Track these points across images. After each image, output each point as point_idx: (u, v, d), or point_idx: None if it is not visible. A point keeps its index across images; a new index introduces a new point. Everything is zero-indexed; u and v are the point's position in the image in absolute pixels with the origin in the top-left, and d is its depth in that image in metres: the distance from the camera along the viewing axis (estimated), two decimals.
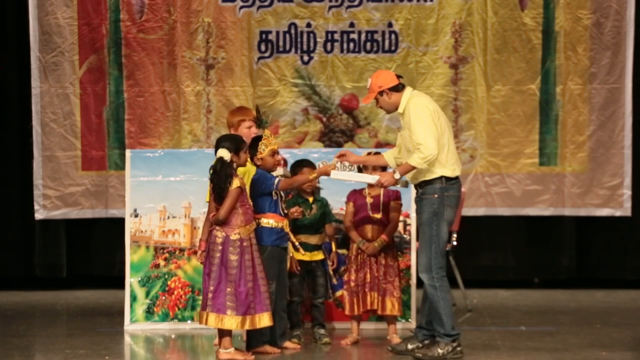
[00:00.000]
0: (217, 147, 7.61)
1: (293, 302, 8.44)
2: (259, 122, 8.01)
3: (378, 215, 8.32)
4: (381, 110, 8.06)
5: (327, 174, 7.91)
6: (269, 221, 7.86)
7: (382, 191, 8.34)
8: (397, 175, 7.68)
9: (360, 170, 8.28)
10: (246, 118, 8.05)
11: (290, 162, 8.81)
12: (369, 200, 8.33)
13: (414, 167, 7.60)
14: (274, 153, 7.94)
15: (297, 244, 8.18)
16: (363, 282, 8.30)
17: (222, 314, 7.48)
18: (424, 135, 7.55)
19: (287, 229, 7.97)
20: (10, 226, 11.87)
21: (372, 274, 8.29)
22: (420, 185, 7.70)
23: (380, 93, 7.75)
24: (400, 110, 7.75)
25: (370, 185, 8.27)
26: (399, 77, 7.80)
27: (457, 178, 7.72)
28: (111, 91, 11.56)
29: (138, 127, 11.55)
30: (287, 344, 8.06)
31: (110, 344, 8.38)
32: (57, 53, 11.51)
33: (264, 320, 7.57)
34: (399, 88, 7.76)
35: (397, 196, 8.41)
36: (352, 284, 8.32)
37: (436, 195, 7.62)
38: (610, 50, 11.38)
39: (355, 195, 8.41)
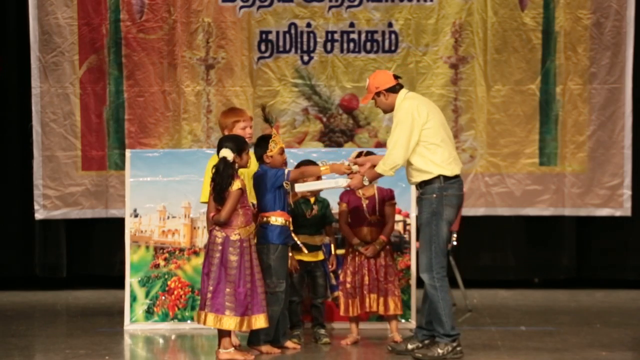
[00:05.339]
0: (219, 147, 7.60)
1: (293, 302, 8.44)
2: (267, 120, 8.02)
3: (374, 217, 8.32)
4: (381, 110, 8.07)
5: (340, 172, 7.94)
6: (277, 219, 7.84)
7: (376, 191, 8.34)
8: (366, 182, 7.82)
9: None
10: (240, 119, 8.02)
11: (290, 162, 8.80)
12: (364, 201, 8.32)
13: (381, 175, 7.72)
14: (282, 151, 7.95)
15: (300, 243, 8.16)
16: (361, 284, 8.29)
17: (221, 314, 7.48)
18: (393, 143, 7.62)
19: (291, 228, 7.97)
20: (10, 226, 11.87)
21: (371, 276, 8.27)
22: (420, 186, 7.72)
23: (378, 94, 7.79)
24: (394, 112, 7.78)
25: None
26: (397, 77, 7.82)
27: (456, 177, 7.73)
28: (111, 91, 11.56)
29: (138, 127, 11.55)
30: (288, 343, 8.05)
31: (110, 344, 8.38)
32: (57, 53, 11.51)
33: (260, 321, 7.56)
34: (396, 89, 7.79)
35: (392, 196, 8.41)
36: (348, 285, 8.31)
37: (435, 195, 7.63)
38: (610, 50, 11.38)
39: (349, 195, 8.39)
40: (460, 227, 10.12)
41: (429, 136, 7.64)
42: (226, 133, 7.97)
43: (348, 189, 8.05)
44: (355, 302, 8.28)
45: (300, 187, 7.90)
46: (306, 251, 8.30)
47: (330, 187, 8.09)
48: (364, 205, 8.31)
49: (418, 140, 7.62)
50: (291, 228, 7.95)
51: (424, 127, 7.62)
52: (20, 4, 11.67)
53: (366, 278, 8.26)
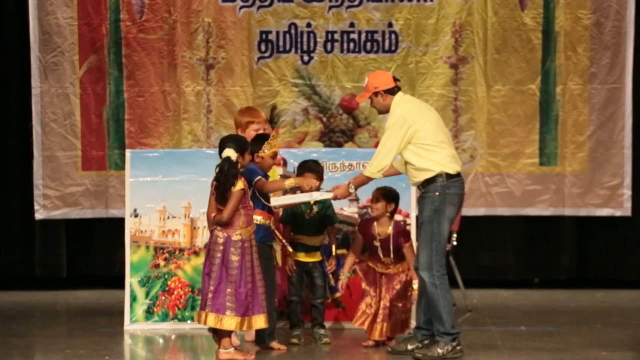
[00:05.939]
0: (221, 147, 7.59)
1: (292, 301, 8.45)
2: (271, 120, 8.02)
3: (389, 259, 8.21)
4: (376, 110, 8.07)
5: (306, 186, 7.84)
6: (256, 217, 7.82)
7: (391, 231, 8.21)
8: (352, 190, 7.78)
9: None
10: (255, 120, 8.02)
11: (290, 162, 8.80)
12: (376, 243, 8.19)
13: (369, 178, 7.69)
14: (275, 155, 7.93)
15: (284, 241, 8.16)
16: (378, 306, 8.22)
17: (222, 314, 7.48)
18: (381, 145, 7.63)
19: (273, 227, 7.95)
20: (10, 226, 11.87)
21: (383, 304, 8.19)
22: (423, 185, 7.71)
23: (375, 94, 7.80)
24: (389, 115, 7.79)
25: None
26: (396, 79, 7.83)
27: (458, 175, 7.73)
28: (111, 91, 11.56)
29: (138, 127, 11.55)
30: (273, 344, 8.01)
31: (110, 344, 8.38)
32: (57, 53, 11.51)
33: (260, 321, 7.56)
34: (394, 91, 7.80)
35: (409, 236, 8.30)
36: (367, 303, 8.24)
37: (437, 193, 7.62)
38: (610, 50, 11.38)
39: (366, 230, 8.26)
40: (460, 227, 10.13)
41: (426, 138, 7.64)
42: (239, 132, 7.99)
43: (334, 200, 7.97)
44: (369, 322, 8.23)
45: (275, 202, 7.89)
46: (290, 249, 8.29)
47: (305, 200, 8.04)
48: (378, 247, 8.22)
49: (412, 141, 7.62)
50: (273, 227, 7.92)
51: (419, 130, 7.62)
52: (20, 4, 11.66)
53: (380, 302, 8.19)
